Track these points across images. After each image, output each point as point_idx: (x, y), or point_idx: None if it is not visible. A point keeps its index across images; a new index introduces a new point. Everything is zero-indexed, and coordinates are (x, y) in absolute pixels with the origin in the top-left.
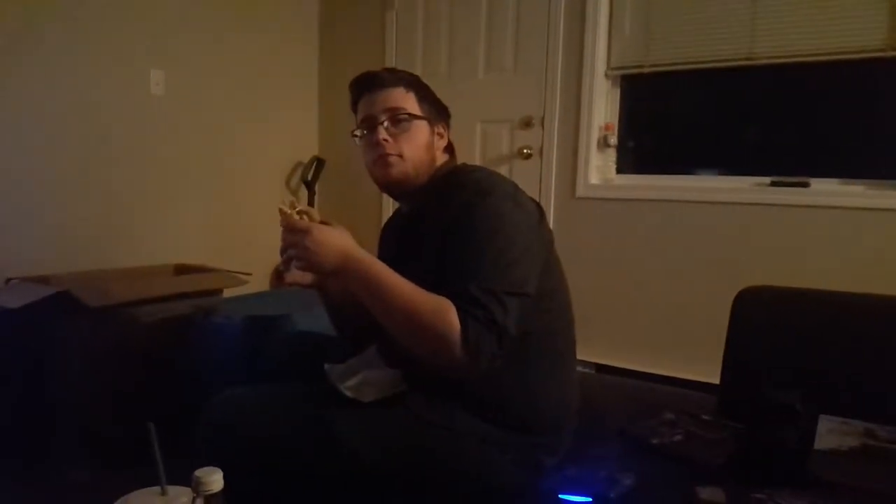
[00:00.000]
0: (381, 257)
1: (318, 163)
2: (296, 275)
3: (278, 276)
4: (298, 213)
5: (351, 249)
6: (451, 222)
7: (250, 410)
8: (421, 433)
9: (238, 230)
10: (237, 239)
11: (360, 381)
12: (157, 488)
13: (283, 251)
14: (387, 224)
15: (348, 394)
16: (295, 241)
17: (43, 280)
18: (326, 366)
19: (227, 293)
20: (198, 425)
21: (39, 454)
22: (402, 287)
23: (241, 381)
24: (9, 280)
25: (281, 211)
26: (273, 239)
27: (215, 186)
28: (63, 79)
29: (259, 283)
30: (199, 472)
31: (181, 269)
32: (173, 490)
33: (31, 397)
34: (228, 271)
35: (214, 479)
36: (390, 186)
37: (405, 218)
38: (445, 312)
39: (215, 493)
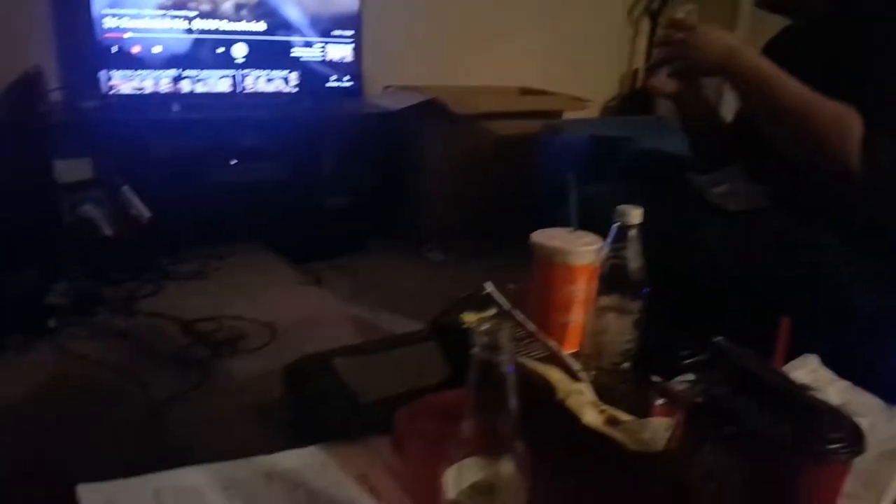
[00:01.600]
0: None
1: None
2: (660, 80)
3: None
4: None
5: (738, 45)
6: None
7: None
8: (783, 249)
9: (578, 59)
10: (578, 67)
11: (725, 189)
12: (569, 228)
13: (657, 53)
14: (771, 42)
15: (715, 200)
16: (676, 38)
17: (414, 89)
18: (689, 174)
19: (567, 116)
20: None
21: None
22: (797, 86)
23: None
24: (386, 87)
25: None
26: (612, 70)
27: (559, 14)
28: None
29: (597, 109)
30: (620, 207)
31: (525, 92)
32: (581, 232)
33: (392, 184)
34: (569, 95)
35: (635, 213)
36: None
37: (800, 33)
38: (849, 116)
39: (633, 225)
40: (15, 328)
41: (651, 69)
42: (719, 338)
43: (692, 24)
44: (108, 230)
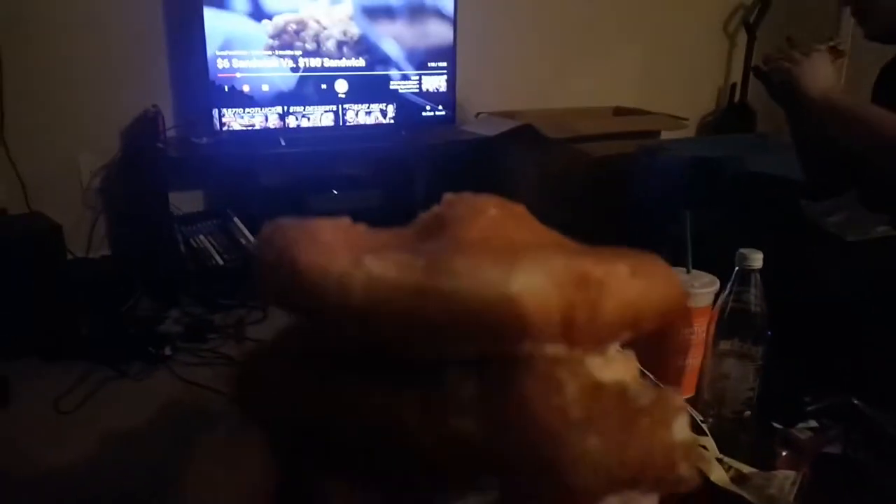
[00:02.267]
0: (878, 101)
1: (763, 3)
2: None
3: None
4: None
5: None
6: None
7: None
8: None
9: (673, 75)
10: (672, 84)
11: (843, 218)
12: (682, 269)
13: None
14: (886, 67)
15: (832, 229)
16: (795, 54)
17: (507, 114)
18: (803, 201)
19: (664, 136)
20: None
21: None
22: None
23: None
24: (478, 114)
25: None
26: (709, 85)
27: (653, 31)
28: None
29: (694, 125)
30: (743, 250)
31: (619, 112)
32: (696, 272)
33: None
34: (666, 114)
35: (756, 258)
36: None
37: None
38: None
39: (755, 269)
40: (135, 355)
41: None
42: (850, 396)
43: (845, 52)
44: (219, 259)
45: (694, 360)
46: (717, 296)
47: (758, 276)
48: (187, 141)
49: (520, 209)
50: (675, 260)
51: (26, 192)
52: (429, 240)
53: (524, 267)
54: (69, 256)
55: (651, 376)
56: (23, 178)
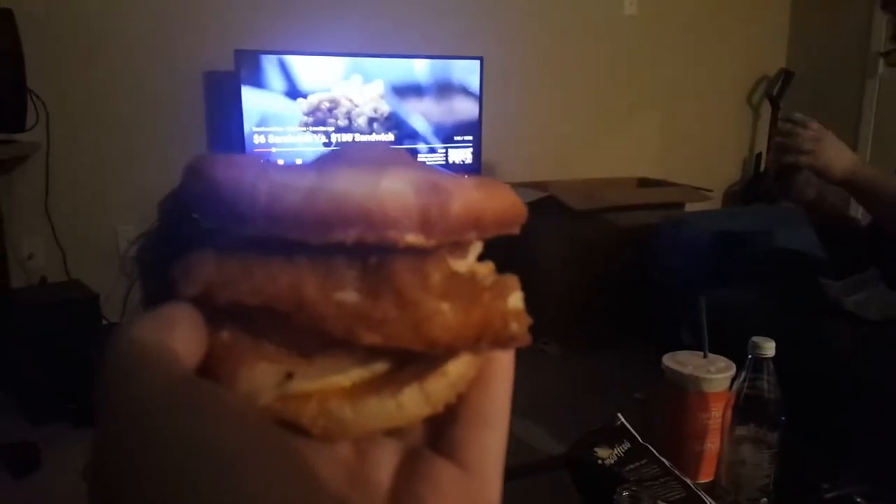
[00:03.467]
0: None
1: (786, 76)
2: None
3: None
4: None
5: (858, 159)
6: None
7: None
8: None
9: (697, 146)
10: (696, 154)
11: (863, 298)
12: (699, 353)
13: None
14: None
15: (851, 308)
16: (804, 143)
17: (530, 185)
18: (822, 280)
19: (688, 208)
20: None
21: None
22: None
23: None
24: None
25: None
26: (733, 155)
27: (676, 102)
28: None
29: (719, 194)
30: (755, 339)
31: (643, 182)
32: (713, 356)
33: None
34: (690, 186)
35: (768, 346)
36: None
37: None
38: None
39: (767, 358)
40: None
41: (772, 154)
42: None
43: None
44: None
45: (712, 445)
46: (733, 380)
47: (770, 364)
48: None
49: (403, 154)
50: (694, 342)
51: (66, 260)
52: (322, 163)
53: (390, 174)
54: (104, 322)
55: (673, 467)
56: (63, 247)
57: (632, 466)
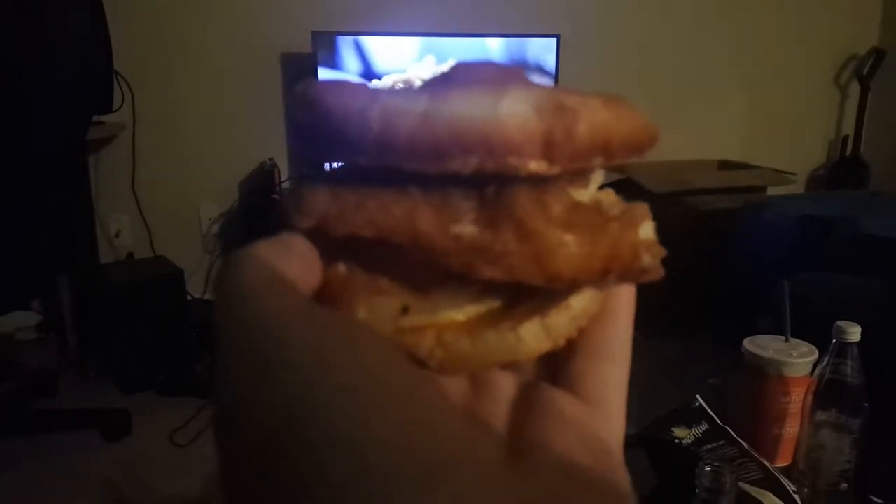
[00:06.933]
0: None
1: (878, 55)
2: None
3: None
4: None
5: None
6: None
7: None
8: None
9: (781, 128)
10: (780, 136)
11: None
12: (780, 337)
13: None
14: None
15: None
16: None
17: (608, 167)
18: None
19: (771, 191)
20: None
21: None
22: None
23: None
24: None
25: None
26: (819, 138)
27: (760, 82)
28: None
29: (803, 178)
30: (840, 323)
31: (723, 165)
32: (794, 341)
33: None
34: (773, 169)
35: (854, 331)
36: None
37: None
38: None
39: (852, 343)
40: None
41: None
42: None
43: None
44: None
45: (791, 429)
46: (815, 365)
47: (855, 349)
48: None
49: (519, 71)
50: (776, 327)
51: (152, 237)
52: (434, 86)
53: (510, 94)
54: (188, 297)
55: (750, 449)
56: (149, 225)
57: (709, 447)
